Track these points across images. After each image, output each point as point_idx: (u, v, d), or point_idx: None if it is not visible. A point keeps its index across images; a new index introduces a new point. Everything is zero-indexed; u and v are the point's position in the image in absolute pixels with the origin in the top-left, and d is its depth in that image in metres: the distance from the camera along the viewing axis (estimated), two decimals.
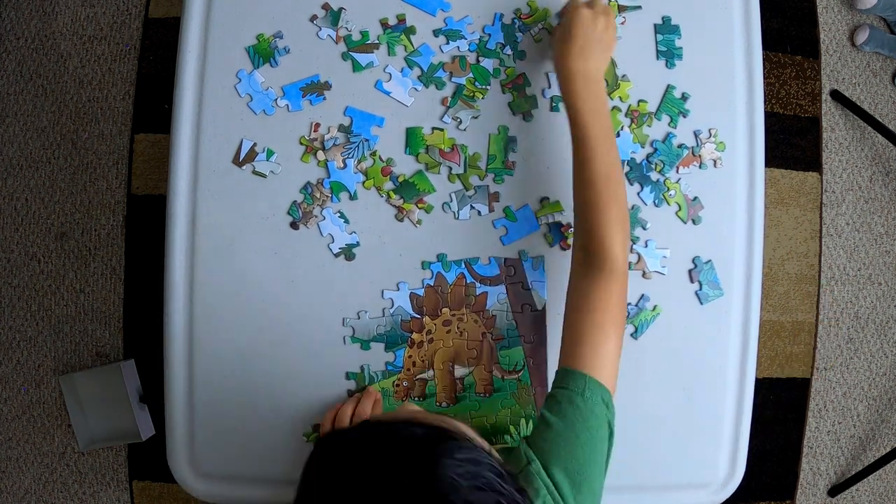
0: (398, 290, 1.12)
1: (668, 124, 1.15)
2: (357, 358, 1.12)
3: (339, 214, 1.11)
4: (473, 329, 1.13)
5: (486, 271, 1.13)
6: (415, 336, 1.12)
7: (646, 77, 1.15)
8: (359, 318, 1.11)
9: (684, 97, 1.15)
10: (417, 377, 1.12)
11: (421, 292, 1.12)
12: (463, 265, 1.12)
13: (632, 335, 1.13)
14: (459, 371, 1.13)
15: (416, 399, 1.12)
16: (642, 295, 1.13)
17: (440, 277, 1.12)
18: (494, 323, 1.13)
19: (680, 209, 1.14)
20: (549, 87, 1.14)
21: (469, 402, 1.13)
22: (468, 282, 1.12)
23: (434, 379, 1.12)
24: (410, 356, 1.12)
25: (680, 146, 1.14)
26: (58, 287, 2.02)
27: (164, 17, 2.01)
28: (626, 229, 1.00)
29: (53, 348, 2.02)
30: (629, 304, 1.13)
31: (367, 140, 1.11)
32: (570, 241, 1.12)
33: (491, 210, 1.12)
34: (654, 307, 1.14)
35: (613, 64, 1.14)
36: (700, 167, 1.15)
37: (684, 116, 1.15)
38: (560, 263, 1.13)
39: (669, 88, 1.15)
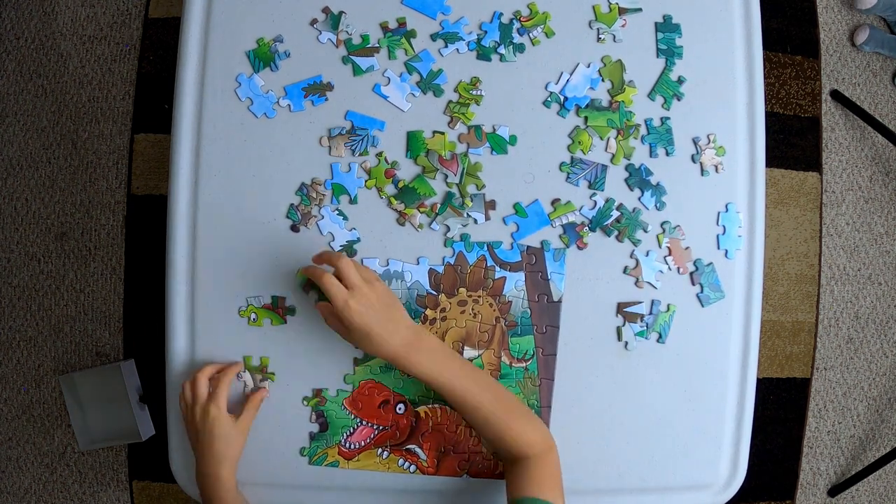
0: (418, 264, 1.12)
1: (662, 106, 1.15)
2: None
3: (337, 212, 1.11)
4: (488, 312, 1.12)
5: (508, 256, 1.13)
6: (428, 312, 1.12)
7: (646, 75, 1.15)
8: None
9: (680, 80, 1.15)
10: None
11: (440, 269, 1.12)
12: (485, 248, 1.12)
13: (658, 341, 1.13)
14: (469, 353, 1.12)
15: None
16: (652, 301, 1.13)
17: (461, 257, 1.12)
18: (509, 309, 1.13)
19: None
20: (557, 83, 1.14)
21: None
22: (488, 265, 1.12)
23: None
24: None
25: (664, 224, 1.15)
26: (58, 287, 2.02)
27: (164, 17, 2.01)
28: (524, 413, 1.05)
29: (53, 348, 2.02)
30: (644, 314, 1.13)
31: (371, 135, 1.11)
32: (586, 240, 1.13)
33: (487, 219, 1.12)
34: (668, 306, 1.14)
35: (622, 67, 1.14)
36: (702, 174, 1.15)
37: (678, 99, 1.15)
38: (579, 260, 1.13)
39: (666, 69, 1.15)
